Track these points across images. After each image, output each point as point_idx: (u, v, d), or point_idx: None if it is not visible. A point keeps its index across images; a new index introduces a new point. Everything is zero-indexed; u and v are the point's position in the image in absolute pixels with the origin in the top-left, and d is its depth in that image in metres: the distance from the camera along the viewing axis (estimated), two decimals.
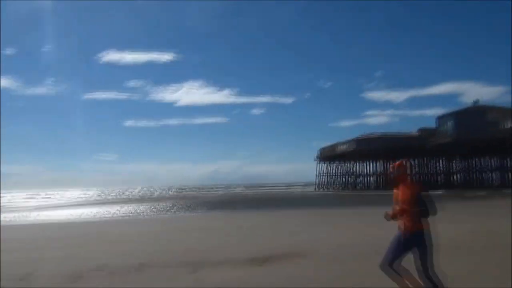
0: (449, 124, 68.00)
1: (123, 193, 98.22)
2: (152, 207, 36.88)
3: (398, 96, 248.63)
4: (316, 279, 6.32)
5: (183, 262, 8.04)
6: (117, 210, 33.51)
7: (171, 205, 38.05)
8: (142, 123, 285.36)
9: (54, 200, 65.81)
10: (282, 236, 12.35)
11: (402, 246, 4.55)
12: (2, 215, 28.18)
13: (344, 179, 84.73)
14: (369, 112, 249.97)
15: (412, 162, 5.01)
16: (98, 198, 70.55)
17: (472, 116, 64.37)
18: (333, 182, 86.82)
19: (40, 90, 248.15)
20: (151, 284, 6.43)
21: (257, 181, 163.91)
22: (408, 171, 4.83)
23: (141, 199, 57.26)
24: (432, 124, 74.60)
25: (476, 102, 70.06)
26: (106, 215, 27.78)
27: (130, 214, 28.77)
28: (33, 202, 57.59)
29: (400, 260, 4.59)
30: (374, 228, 14.20)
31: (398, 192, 4.72)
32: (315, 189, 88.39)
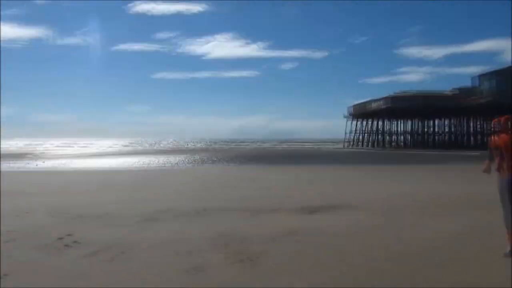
0: (489, 83, 65.83)
1: (160, 144, 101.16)
2: (195, 158, 38.44)
3: (434, 53, 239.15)
4: (365, 227, 6.98)
5: (242, 208, 8.88)
6: (165, 160, 35.26)
7: (212, 157, 39.46)
8: (172, 75, 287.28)
9: (97, 148, 68.75)
10: (324, 188, 13.04)
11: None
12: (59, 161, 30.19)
13: (376, 137, 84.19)
14: (403, 69, 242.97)
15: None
16: (140, 148, 73.30)
17: None
18: (365, 139, 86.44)
19: (71, 40, 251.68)
20: (221, 224, 7.25)
21: (286, 137, 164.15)
22: (510, 125, 5.12)
23: (180, 150, 59.24)
24: (467, 83, 72.18)
25: None
26: (155, 164, 29.28)
27: (178, 164, 30.34)
28: (78, 150, 60.49)
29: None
30: (411, 182, 14.73)
31: (498, 140, 5.12)
32: (343, 146, 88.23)
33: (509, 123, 5.13)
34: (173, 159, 37.00)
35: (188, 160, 35.12)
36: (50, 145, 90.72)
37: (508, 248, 5.04)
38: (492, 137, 5.31)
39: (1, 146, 56.93)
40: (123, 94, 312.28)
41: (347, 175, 19.30)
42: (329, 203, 9.45)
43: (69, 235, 6.46)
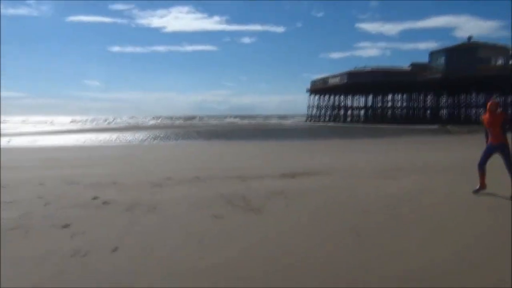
0: (440, 60, 69.70)
1: (117, 121, 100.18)
2: (164, 134, 39.34)
3: (392, 28, 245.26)
4: (344, 190, 8.72)
5: (231, 176, 10.39)
6: (140, 135, 36.05)
7: (180, 133, 40.52)
8: (129, 49, 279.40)
9: (57, 126, 67.66)
10: (295, 161, 14.77)
11: (489, 151, 7.43)
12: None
13: (335, 112, 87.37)
14: (361, 44, 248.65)
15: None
16: (100, 125, 72.74)
17: (464, 53, 65.97)
18: (324, 114, 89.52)
19: (22, 10, 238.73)
20: (222, 188, 8.74)
21: (245, 112, 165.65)
22: (498, 106, 7.47)
23: (143, 127, 59.61)
24: (425, 59, 75.82)
25: (469, 38, 71.05)
26: (130, 140, 30.13)
27: (152, 140, 31.27)
28: (41, 128, 59.51)
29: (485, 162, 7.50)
30: (369, 154, 16.78)
31: (488, 118, 7.37)
32: (306, 121, 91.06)
33: (495, 105, 7.42)
34: (145, 135, 37.79)
35: (162, 136, 36.11)
36: (4, 122, 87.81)
37: (476, 187, 7.69)
38: (485, 116, 7.54)
39: None
40: (77, 68, 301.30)
41: (313, 148, 21.21)
42: (304, 171, 11.15)
43: (95, 198, 7.77)
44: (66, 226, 5.84)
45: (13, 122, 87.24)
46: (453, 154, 16.72)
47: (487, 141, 7.60)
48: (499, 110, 7.47)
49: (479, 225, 5.85)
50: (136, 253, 4.68)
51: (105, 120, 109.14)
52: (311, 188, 8.57)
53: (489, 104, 7.54)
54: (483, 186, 7.71)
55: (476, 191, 7.72)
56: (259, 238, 5.24)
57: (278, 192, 8.11)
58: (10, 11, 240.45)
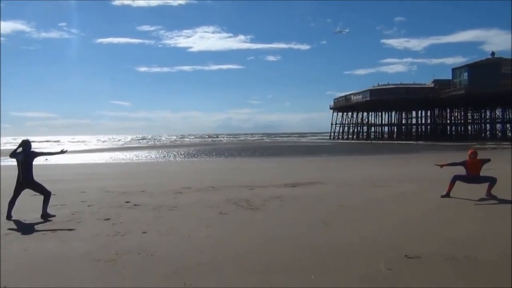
0: (463, 76, 69.86)
1: (151, 140, 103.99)
2: (187, 151, 41.56)
3: (417, 43, 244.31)
4: (332, 195, 10.31)
5: (242, 185, 12.12)
6: (165, 153, 38.37)
7: (202, 150, 42.67)
8: (155, 69, 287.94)
9: (89, 146, 71.26)
10: (303, 173, 16.37)
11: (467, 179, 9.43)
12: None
13: (358, 129, 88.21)
14: (386, 60, 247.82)
15: None
16: (128, 144, 76.12)
17: (487, 69, 66.09)
18: (348, 132, 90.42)
19: (53, 34, 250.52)
20: (231, 194, 10.47)
21: (270, 130, 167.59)
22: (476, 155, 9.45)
23: (169, 146, 62.33)
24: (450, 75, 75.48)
25: (493, 54, 71.11)
26: (156, 157, 32.38)
27: (179, 156, 33.43)
28: (72, 147, 62.93)
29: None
30: (374, 167, 18.20)
31: (470, 162, 9.32)
32: (330, 138, 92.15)
33: (475, 154, 9.39)
34: (164, 153, 40.04)
35: (178, 154, 38.28)
36: (40, 143, 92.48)
37: (444, 193, 9.37)
38: (468, 160, 9.42)
39: None
40: (105, 89, 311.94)
41: (324, 164, 22.73)
42: (306, 181, 12.79)
43: (127, 202, 9.61)
44: (107, 219, 7.67)
45: (48, 142, 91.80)
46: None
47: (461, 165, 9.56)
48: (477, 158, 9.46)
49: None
50: (160, 234, 6.44)
51: (134, 139, 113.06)
52: (305, 194, 10.22)
53: (469, 152, 9.46)
54: (449, 192, 9.28)
55: (444, 196, 9.23)
56: (253, 226, 6.91)
57: (277, 197, 9.80)
58: (42, 34, 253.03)
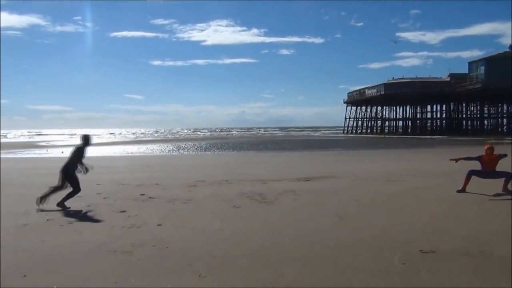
0: (480, 70, 68.64)
1: (164, 134, 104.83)
2: (200, 145, 41.79)
3: (433, 36, 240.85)
4: (346, 189, 10.27)
5: (256, 179, 12.15)
6: (176, 146, 38.66)
7: (216, 144, 42.87)
8: (169, 62, 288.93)
9: (103, 139, 72.11)
10: (317, 168, 16.33)
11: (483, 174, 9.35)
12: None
13: (372, 123, 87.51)
14: (401, 54, 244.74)
15: None
16: (142, 137, 76.84)
17: (504, 62, 64.77)
18: (362, 126, 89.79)
19: (68, 27, 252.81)
20: (244, 187, 10.51)
21: (283, 124, 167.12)
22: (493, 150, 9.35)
23: (182, 139, 62.73)
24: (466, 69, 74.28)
25: (510, 47, 69.67)
26: (169, 150, 32.66)
27: (192, 150, 33.67)
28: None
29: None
30: (388, 161, 18.07)
31: (487, 158, 9.23)
32: (343, 132, 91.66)
33: (491, 149, 9.31)
34: (191, 145, 40.29)
35: (192, 147, 38.47)
36: (55, 135, 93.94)
37: (460, 188, 9.29)
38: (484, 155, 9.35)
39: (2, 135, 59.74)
40: (119, 82, 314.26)
41: (338, 158, 22.64)
42: (319, 175, 12.77)
43: (142, 194, 9.72)
44: (123, 211, 7.77)
45: (63, 135, 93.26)
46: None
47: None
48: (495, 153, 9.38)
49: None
50: (175, 226, 6.51)
51: (147, 133, 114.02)
52: (318, 188, 10.21)
53: (486, 148, 9.39)
54: (464, 188, 9.18)
55: (459, 191, 9.14)
56: (267, 219, 6.94)
57: (290, 190, 9.81)
58: (58, 28, 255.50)
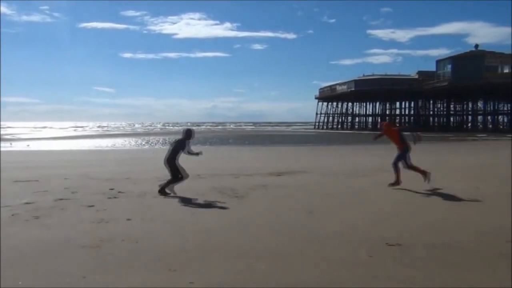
0: (447, 68, 70.62)
1: (136, 127, 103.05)
2: (172, 139, 41.45)
3: (403, 35, 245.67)
4: (316, 184, 10.42)
5: (228, 174, 12.16)
6: (147, 141, 38.08)
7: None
8: (140, 55, 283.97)
9: (70, 132, 70.37)
10: (288, 163, 16.47)
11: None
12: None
13: (342, 119, 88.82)
14: (372, 51, 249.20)
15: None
16: (112, 131, 75.39)
17: (470, 61, 66.85)
18: (332, 121, 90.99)
19: (35, 17, 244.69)
20: (216, 182, 10.50)
21: (255, 120, 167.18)
22: (393, 125, 9.92)
23: (153, 133, 61.97)
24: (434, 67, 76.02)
25: (476, 46, 71.95)
26: (140, 144, 32.16)
27: (164, 144, 33.27)
28: (51, 133, 62.10)
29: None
30: (358, 157, 18.40)
31: (389, 134, 9.92)
32: (314, 127, 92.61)
33: (386, 126, 10.10)
34: (149, 140, 39.79)
35: (163, 142, 38.10)
36: (21, 128, 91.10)
37: (391, 182, 9.58)
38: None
39: None
40: (89, 75, 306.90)
41: (308, 153, 22.90)
42: (290, 170, 12.89)
43: (112, 189, 9.56)
44: (91, 206, 7.64)
45: (30, 128, 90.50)
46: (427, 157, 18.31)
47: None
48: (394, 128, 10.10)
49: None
50: (145, 221, 6.45)
51: (118, 126, 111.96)
52: (289, 183, 10.33)
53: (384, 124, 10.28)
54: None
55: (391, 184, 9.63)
56: (238, 214, 6.97)
57: (262, 185, 9.87)
58: (24, 17, 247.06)
